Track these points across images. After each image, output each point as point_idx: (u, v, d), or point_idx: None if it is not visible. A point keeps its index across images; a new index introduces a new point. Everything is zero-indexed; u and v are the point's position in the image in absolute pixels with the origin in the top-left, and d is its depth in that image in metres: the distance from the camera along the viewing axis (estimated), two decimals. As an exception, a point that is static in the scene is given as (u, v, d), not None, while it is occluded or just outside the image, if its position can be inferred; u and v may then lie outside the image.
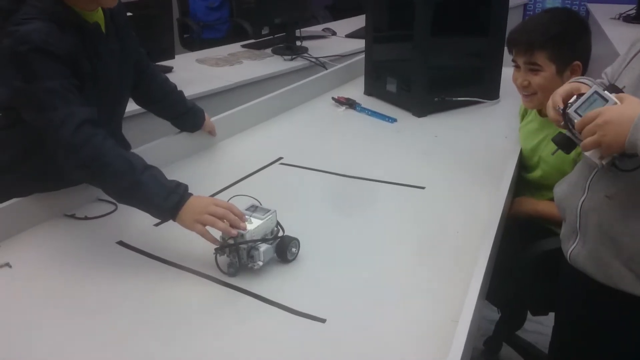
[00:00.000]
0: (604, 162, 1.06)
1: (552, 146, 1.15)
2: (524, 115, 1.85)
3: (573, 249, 1.19)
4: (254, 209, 1.28)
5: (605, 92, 1.05)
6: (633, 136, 0.96)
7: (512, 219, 1.70)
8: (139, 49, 1.63)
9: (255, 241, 1.21)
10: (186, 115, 1.80)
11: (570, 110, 1.08)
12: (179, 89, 1.78)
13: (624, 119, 0.97)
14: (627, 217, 1.08)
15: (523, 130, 1.78)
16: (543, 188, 1.65)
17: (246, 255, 1.22)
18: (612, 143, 0.99)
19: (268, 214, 1.26)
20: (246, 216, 1.24)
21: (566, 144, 1.13)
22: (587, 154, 1.08)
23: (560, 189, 1.28)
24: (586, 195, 1.15)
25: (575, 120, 1.06)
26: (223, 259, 1.24)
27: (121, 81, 1.52)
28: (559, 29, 1.54)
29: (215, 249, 1.23)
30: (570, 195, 1.20)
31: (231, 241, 1.22)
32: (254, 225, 1.23)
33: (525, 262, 1.61)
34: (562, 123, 1.11)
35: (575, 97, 1.09)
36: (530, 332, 2.13)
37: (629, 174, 1.06)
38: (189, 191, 1.28)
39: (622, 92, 1.07)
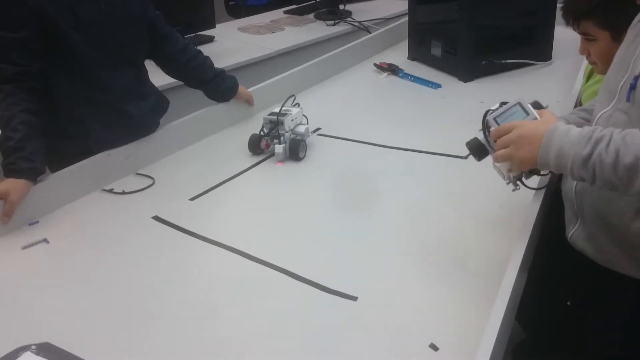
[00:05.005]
0: (512, 175, 1.07)
1: None
2: (589, 76, 1.73)
3: (574, 231, 1.15)
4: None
5: (529, 105, 1.05)
6: (542, 154, 0.95)
7: None
8: (152, 10, 1.63)
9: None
10: (216, 81, 1.77)
11: (490, 117, 1.07)
12: (220, 59, 1.74)
13: (537, 135, 0.96)
14: (612, 196, 1.03)
15: (588, 91, 1.66)
16: None
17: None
18: (524, 159, 0.99)
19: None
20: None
21: (478, 149, 1.13)
22: (497, 164, 1.09)
23: None
24: None
25: (492, 128, 1.06)
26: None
27: (121, 34, 1.52)
28: None
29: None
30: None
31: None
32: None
33: None
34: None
35: (499, 104, 1.08)
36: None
37: None
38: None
39: (544, 108, 1.07)
